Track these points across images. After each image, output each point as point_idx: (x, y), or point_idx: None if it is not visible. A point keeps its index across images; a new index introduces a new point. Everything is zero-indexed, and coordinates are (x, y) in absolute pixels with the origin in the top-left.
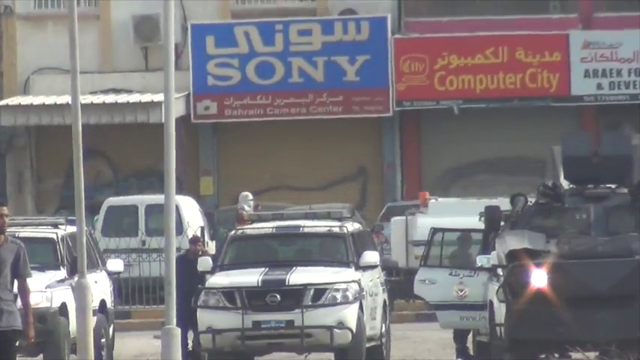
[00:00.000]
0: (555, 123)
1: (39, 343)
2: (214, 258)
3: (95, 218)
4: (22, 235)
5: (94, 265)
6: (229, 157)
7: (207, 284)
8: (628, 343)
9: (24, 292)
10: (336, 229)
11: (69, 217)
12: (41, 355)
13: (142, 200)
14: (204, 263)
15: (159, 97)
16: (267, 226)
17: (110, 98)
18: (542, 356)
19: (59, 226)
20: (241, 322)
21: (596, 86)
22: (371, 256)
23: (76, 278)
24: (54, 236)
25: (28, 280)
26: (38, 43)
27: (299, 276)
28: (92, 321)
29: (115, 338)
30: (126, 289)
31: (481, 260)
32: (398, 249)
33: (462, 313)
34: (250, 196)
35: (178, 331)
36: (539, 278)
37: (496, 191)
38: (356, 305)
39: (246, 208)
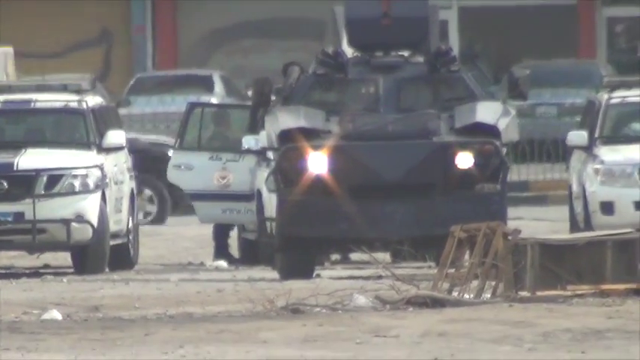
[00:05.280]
0: None
1: None
2: None
3: None
4: None
5: None
6: None
7: None
8: (424, 241)
9: None
10: (74, 104)
11: None
12: None
13: None
14: None
15: None
16: None
17: None
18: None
19: None
20: None
21: None
22: (116, 137)
23: None
24: None
25: None
26: None
27: (29, 160)
28: None
29: None
30: None
31: (248, 141)
32: None
33: (225, 205)
34: None
35: None
36: (317, 163)
37: (267, 58)
38: (98, 195)
39: None
